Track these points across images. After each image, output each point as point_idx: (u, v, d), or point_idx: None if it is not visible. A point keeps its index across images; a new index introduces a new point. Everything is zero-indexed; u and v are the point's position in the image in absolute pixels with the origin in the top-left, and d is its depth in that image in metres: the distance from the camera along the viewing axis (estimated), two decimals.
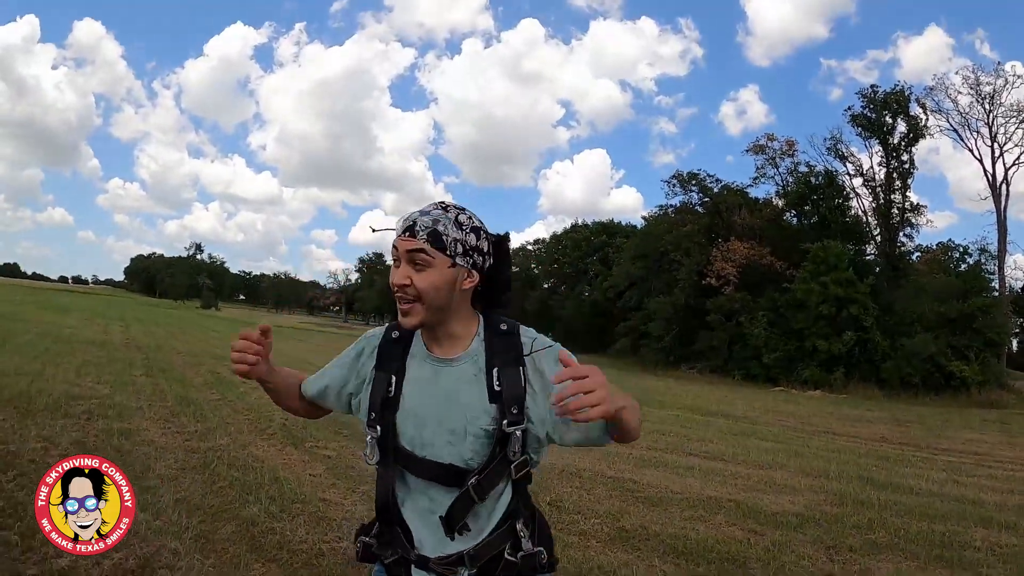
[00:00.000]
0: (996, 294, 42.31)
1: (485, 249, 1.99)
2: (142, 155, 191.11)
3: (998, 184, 47.82)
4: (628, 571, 5.35)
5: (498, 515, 1.98)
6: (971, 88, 48.00)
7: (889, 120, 44.21)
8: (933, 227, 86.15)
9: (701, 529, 6.78)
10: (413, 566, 2.00)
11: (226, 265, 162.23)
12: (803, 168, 47.65)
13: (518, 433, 1.91)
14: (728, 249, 43.93)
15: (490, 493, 1.94)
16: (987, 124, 48.07)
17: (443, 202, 2.00)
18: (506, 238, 2.10)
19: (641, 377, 35.45)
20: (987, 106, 47.84)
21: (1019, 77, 47.23)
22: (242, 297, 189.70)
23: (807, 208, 47.17)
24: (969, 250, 46.44)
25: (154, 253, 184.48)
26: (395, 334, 2.10)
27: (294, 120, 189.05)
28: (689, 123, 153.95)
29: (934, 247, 49.34)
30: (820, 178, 46.65)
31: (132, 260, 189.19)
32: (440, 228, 1.90)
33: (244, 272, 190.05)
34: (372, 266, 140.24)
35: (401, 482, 2.03)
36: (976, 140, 48.58)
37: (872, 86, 45.93)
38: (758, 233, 45.08)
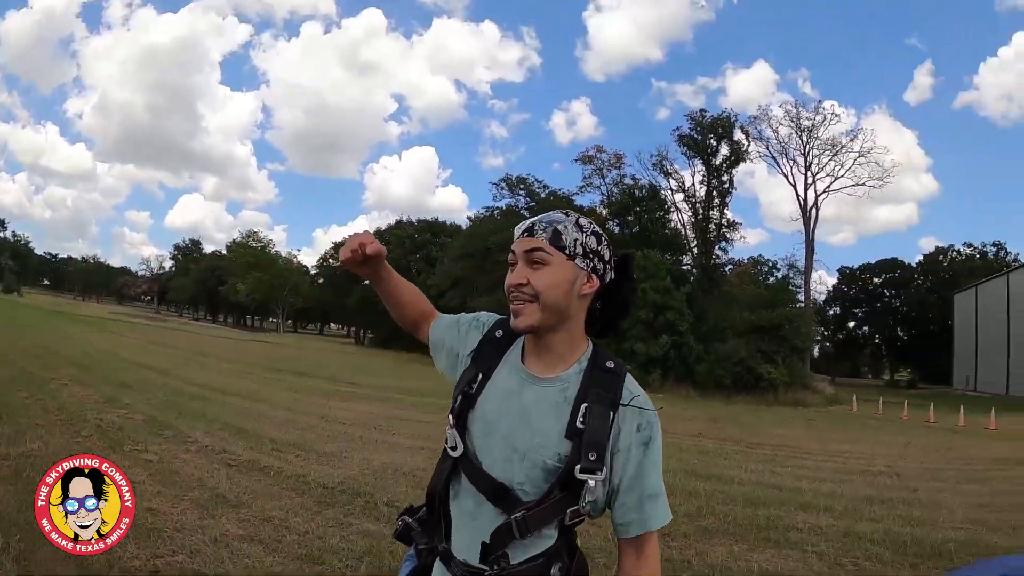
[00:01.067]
0: (801, 305, 45.92)
1: (606, 257, 1.91)
2: None
3: (808, 208, 53.13)
4: None
5: (536, 550, 1.85)
6: (792, 121, 54.25)
7: (713, 143, 47.52)
8: (746, 243, 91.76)
9: None
10: (439, 557, 1.94)
11: (31, 245, 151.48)
12: (628, 180, 50.29)
13: (591, 483, 1.77)
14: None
15: (534, 532, 1.81)
16: (803, 154, 54.73)
17: (564, 210, 1.93)
18: (632, 257, 2.01)
19: None
20: (805, 138, 54.39)
21: (836, 115, 54.27)
22: (46, 282, 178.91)
23: (630, 219, 49.37)
24: (778, 265, 51.07)
25: None
26: (499, 333, 2.03)
27: (116, 88, 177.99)
28: (520, 128, 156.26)
29: (746, 261, 52.90)
30: (644, 191, 49.30)
31: None
32: (560, 228, 1.83)
33: (49, 254, 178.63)
34: (187, 253, 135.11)
35: (455, 477, 1.94)
36: (792, 168, 54.03)
37: (701, 110, 49.67)
38: None
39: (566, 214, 1.87)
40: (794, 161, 55.38)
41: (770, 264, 53.27)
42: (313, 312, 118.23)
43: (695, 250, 48.14)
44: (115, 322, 56.63)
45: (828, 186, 55.49)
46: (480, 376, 1.94)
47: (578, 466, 1.75)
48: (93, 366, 18.20)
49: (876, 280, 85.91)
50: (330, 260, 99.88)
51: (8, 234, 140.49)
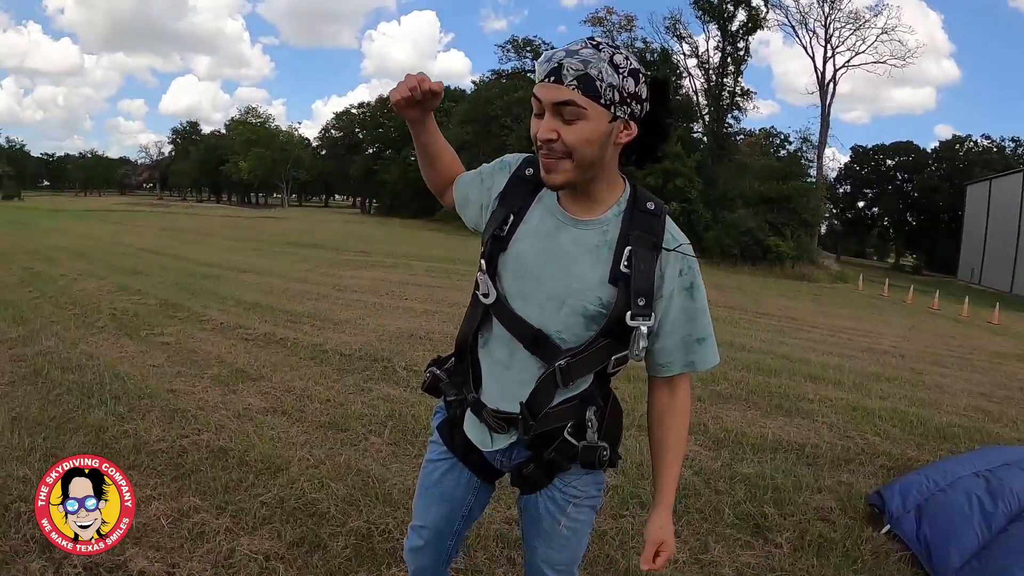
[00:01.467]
0: (813, 180, 45.57)
1: (644, 95, 1.73)
2: None
3: (826, 82, 51.66)
4: None
5: (570, 393, 1.85)
6: None
7: (730, 7, 45.84)
8: (758, 113, 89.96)
9: None
10: (469, 408, 1.97)
11: (26, 148, 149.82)
12: (639, 44, 49.01)
13: (643, 328, 1.76)
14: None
15: (576, 380, 1.82)
16: (824, 26, 51.89)
17: (593, 39, 1.68)
18: (667, 83, 1.80)
19: (468, 239, 35.80)
20: (826, 9, 51.34)
21: None
22: (46, 183, 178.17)
23: None
24: (791, 138, 49.56)
25: None
26: (529, 171, 1.92)
27: None
28: None
29: (758, 132, 51.82)
30: (656, 56, 48.20)
31: None
32: (593, 72, 1.61)
33: (46, 155, 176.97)
34: (186, 136, 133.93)
35: (486, 325, 1.92)
36: (811, 39, 51.96)
37: None
38: None
39: (597, 47, 1.64)
40: (813, 32, 53.22)
41: (783, 136, 52.43)
42: (317, 185, 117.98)
43: (707, 118, 47.45)
44: (119, 212, 56.68)
45: (848, 61, 53.50)
46: (512, 217, 1.88)
47: (628, 312, 1.73)
48: (101, 258, 18.20)
49: (889, 162, 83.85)
50: (331, 131, 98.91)
51: (2, 140, 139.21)
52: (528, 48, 51.43)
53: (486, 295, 1.87)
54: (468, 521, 2.15)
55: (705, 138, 46.94)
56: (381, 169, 74.69)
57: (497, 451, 1.96)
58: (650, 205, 1.83)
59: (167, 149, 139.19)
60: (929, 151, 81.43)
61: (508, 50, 52.44)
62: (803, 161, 46.31)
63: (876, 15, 52.97)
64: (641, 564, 1.88)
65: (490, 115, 48.37)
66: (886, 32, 52.33)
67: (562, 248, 1.80)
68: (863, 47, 53.16)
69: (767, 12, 48.29)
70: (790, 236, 37.84)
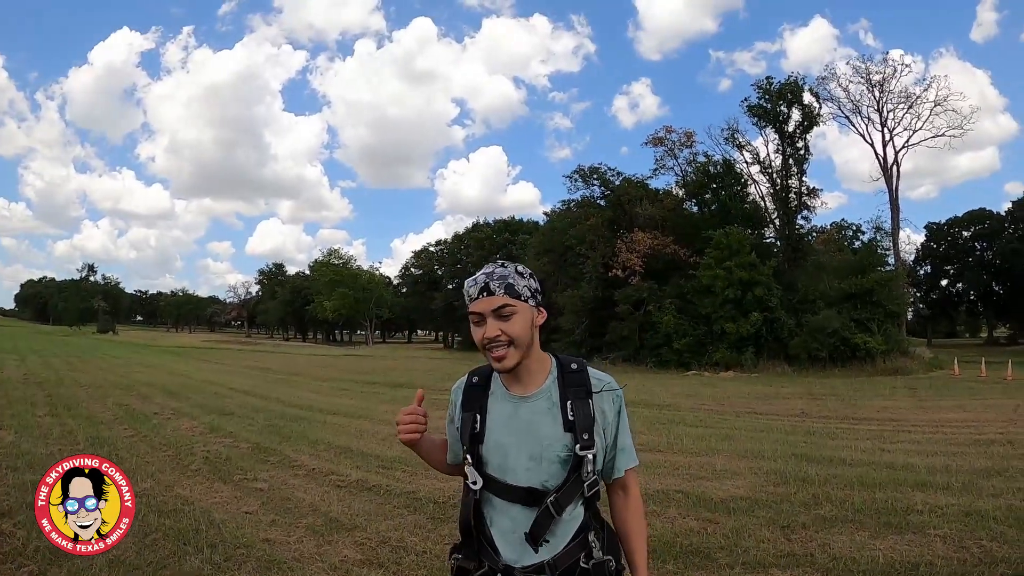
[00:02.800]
0: (892, 268, 44.59)
1: (540, 289, 2.33)
2: (26, 172, 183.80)
3: (889, 166, 51.33)
4: None
5: (573, 528, 2.26)
6: (861, 77, 51.44)
7: (784, 109, 45.64)
8: (827, 208, 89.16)
9: (657, 524, 6.79)
10: (499, 574, 2.26)
11: (121, 285, 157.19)
12: (702, 158, 49.08)
13: (590, 456, 2.22)
14: (632, 240, 44.45)
15: (566, 509, 2.22)
16: (877, 111, 52.15)
17: (500, 261, 2.33)
18: (542, 282, 2.42)
19: None
20: (877, 93, 51.44)
21: (906, 65, 51.33)
22: (139, 318, 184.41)
23: (707, 196, 48.42)
24: (863, 228, 48.82)
25: (45, 277, 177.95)
26: (475, 379, 2.41)
27: (184, 129, 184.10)
28: (583, 117, 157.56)
29: (829, 227, 51.21)
30: (719, 167, 48.11)
31: (22, 286, 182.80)
32: (511, 281, 2.22)
33: (140, 292, 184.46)
34: (272, 277, 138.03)
35: (488, 504, 2.31)
36: (867, 125, 51.85)
37: (767, 78, 47.41)
38: (660, 223, 45.87)
39: (503, 266, 2.26)
40: (868, 119, 53.22)
41: (854, 228, 51.54)
42: (399, 321, 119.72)
43: (777, 222, 46.80)
44: (209, 350, 58.11)
45: (907, 141, 53.16)
46: (478, 416, 2.33)
47: (577, 446, 2.21)
48: (192, 397, 18.58)
49: (965, 233, 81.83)
50: (411, 269, 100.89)
51: (98, 277, 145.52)
52: (595, 176, 51.77)
53: (475, 483, 2.29)
54: None
55: (778, 242, 46.39)
56: (461, 305, 75.44)
57: None
58: (573, 365, 2.35)
59: (254, 289, 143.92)
60: (1003, 213, 79.26)
61: (575, 179, 52.87)
62: (879, 250, 45.31)
63: (926, 89, 52.65)
64: None
65: (564, 245, 48.70)
66: (939, 104, 52.01)
67: (524, 420, 2.27)
68: (919, 124, 52.81)
69: (820, 108, 48.21)
70: (877, 330, 36.61)
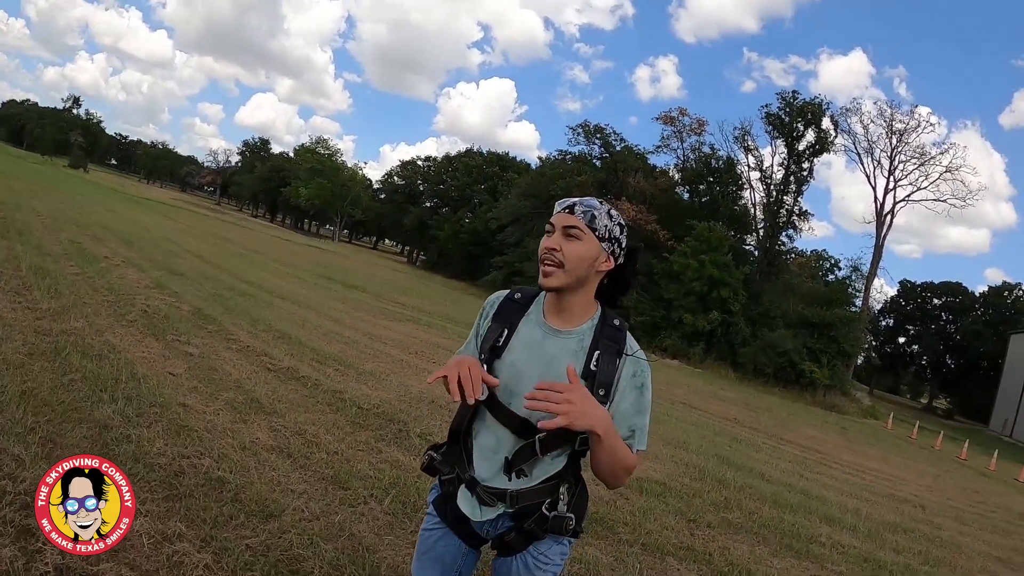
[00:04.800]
0: (857, 310, 45.52)
1: (623, 245, 2.33)
2: None
3: (884, 213, 51.74)
4: None
5: (549, 472, 2.28)
6: (884, 121, 51.27)
7: (800, 127, 46.14)
8: (812, 234, 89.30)
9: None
10: (463, 486, 2.36)
11: (102, 125, 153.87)
12: (706, 149, 49.70)
13: None
14: (617, 208, 44.41)
15: (551, 452, 2.24)
16: (889, 157, 52.20)
17: (599, 199, 2.29)
18: (639, 251, 2.42)
19: None
20: (894, 141, 51.59)
21: (930, 124, 51.64)
22: (113, 162, 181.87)
23: (701, 187, 49.32)
24: (841, 264, 49.11)
25: (27, 100, 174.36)
26: (517, 295, 2.43)
27: None
28: (602, 76, 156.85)
29: (808, 253, 51.61)
30: (720, 163, 48.83)
31: (3, 104, 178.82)
32: (595, 213, 2.23)
33: (120, 135, 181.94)
34: (255, 151, 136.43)
35: (479, 417, 2.35)
36: (875, 169, 51.92)
37: (793, 91, 47.95)
38: (649, 199, 46.30)
39: (601, 203, 2.27)
40: (878, 162, 53.71)
41: (833, 261, 51.97)
42: (370, 225, 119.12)
43: (761, 232, 47.58)
44: (175, 208, 57.59)
45: (908, 195, 53.84)
46: (505, 331, 2.34)
47: None
48: (146, 248, 18.37)
49: (936, 300, 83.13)
50: (394, 177, 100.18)
51: (81, 111, 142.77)
52: (598, 135, 51.69)
53: (484, 394, 2.20)
54: None
55: (756, 252, 47.11)
56: (435, 224, 75.41)
57: (485, 521, 2.34)
58: (616, 321, 2.32)
59: (235, 159, 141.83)
60: (977, 295, 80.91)
61: (578, 133, 52.73)
62: (850, 289, 46.04)
63: (942, 152, 52.99)
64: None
65: (550, 194, 48.68)
66: (950, 171, 52.46)
67: (548, 353, 2.26)
68: (925, 183, 53.34)
69: (835, 136, 48.89)
70: (826, 364, 37.58)
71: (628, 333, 2.31)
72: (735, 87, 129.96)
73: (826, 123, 47.29)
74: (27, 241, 13.35)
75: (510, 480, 2.26)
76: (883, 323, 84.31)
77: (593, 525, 5.81)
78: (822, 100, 47.48)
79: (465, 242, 66.04)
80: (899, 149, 52.87)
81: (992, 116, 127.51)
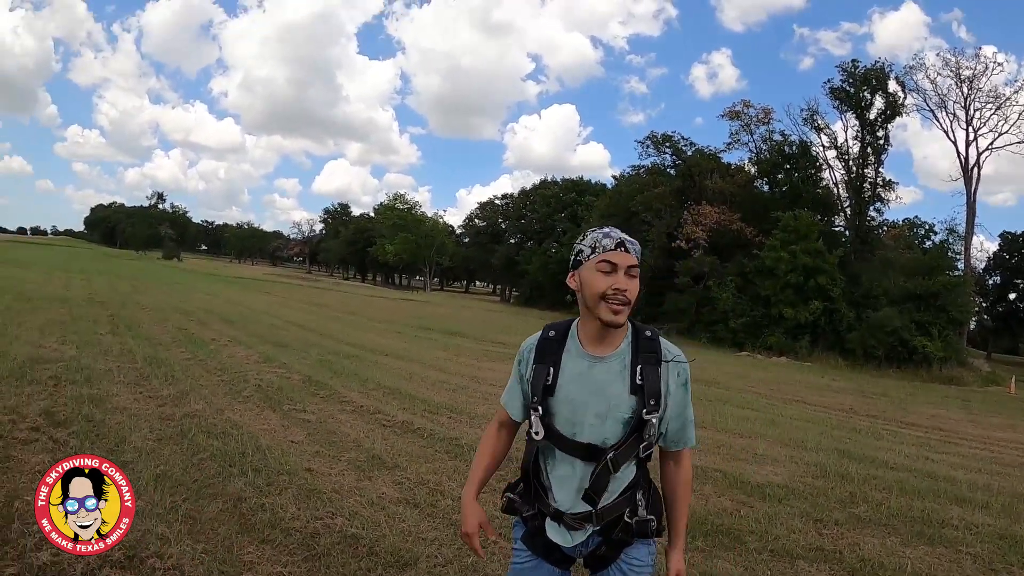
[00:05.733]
0: (960, 273, 43.02)
1: None
2: (101, 101, 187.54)
3: (970, 167, 49.31)
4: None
5: (623, 485, 2.43)
6: (951, 70, 49.26)
7: (867, 95, 44.70)
8: (900, 203, 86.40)
9: (692, 500, 6.73)
10: (548, 518, 2.48)
11: (188, 215, 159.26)
12: (778, 137, 48.42)
13: (654, 420, 2.37)
14: (699, 213, 44.33)
15: (621, 467, 2.39)
16: (964, 108, 49.77)
17: (616, 230, 2.43)
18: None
19: None
20: (965, 90, 49.27)
21: (998, 64, 48.98)
22: (204, 248, 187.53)
23: (779, 177, 47.96)
24: (936, 228, 47.34)
25: (114, 202, 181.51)
26: (551, 333, 2.55)
27: (258, 66, 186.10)
28: (659, 83, 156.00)
29: (900, 223, 49.82)
30: (794, 148, 47.48)
31: (92, 210, 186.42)
32: (638, 249, 2.39)
33: (206, 222, 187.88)
34: (336, 216, 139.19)
35: (548, 452, 2.50)
36: (952, 122, 49.86)
37: (853, 60, 46.44)
38: (729, 198, 45.64)
39: (627, 234, 2.42)
40: (954, 115, 50.38)
41: (927, 227, 49.77)
42: (458, 270, 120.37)
43: (848, 211, 46.17)
44: (269, 283, 58.92)
45: (991, 143, 50.39)
46: (552, 370, 2.45)
47: (644, 410, 2.35)
48: (250, 326, 18.98)
49: None
50: (475, 220, 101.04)
51: (167, 206, 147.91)
52: (667, 144, 51.27)
53: (537, 433, 2.45)
54: None
55: (847, 232, 45.75)
56: (522, 259, 75.75)
57: (577, 545, 2.48)
58: (648, 333, 2.46)
59: (318, 227, 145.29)
60: None
61: (647, 146, 52.36)
62: (949, 253, 43.41)
63: (1017, 91, 49.58)
64: None
65: (630, 210, 48.44)
66: None
67: (597, 379, 2.39)
68: (1006, 127, 49.91)
69: (905, 97, 46.75)
70: (937, 335, 35.78)
71: (661, 339, 2.46)
72: (794, 67, 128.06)
73: (892, 86, 45.72)
74: (138, 334, 13.95)
75: (595, 506, 2.40)
76: (990, 282, 79.97)
77: (719, 536, 5.83)
78: (884, 63, 46.14)
79: (555, 272, 65.95)
80: (972, 97, 49.75)
81: None
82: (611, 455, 2.36)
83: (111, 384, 8.90)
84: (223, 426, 7.40)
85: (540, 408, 2.44)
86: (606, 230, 2.41)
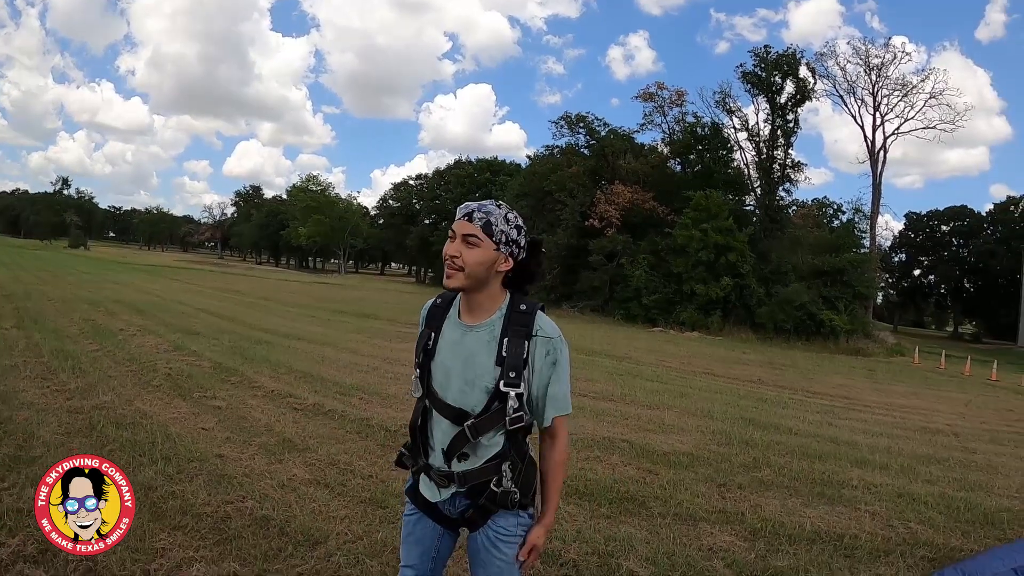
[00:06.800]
0: (866, 250, 44.93)
1: (522, 244, 2.54)
2: (3, 82, 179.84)
3: (876, 150, 51.70)
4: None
5: (490, 453, 2.53)
6: (860, 58, 51.54)
7: (778, 80, 45.79)
8: (810, 184, 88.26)
9: (599, 469, 7.02)
10: (422, 472, 2.66)
11: (95, 200, 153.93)
12: (690, 118, 49.12)
13: (513, 393, 2.44)
14: (612, 192, 44.63)
15: (484, 435, 2.49)
16: (872, 94, 52.38)
17: (498, 202, 2.52)
18: (539, 243, 2.63)
19: None
20: (874, 77, 51.64)
21: (906, 54, 51.51)
22: (112, 234, 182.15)
23: (692, 157, 48.71)
24: (843, 208, 48.76)
25: (17, 189, 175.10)
26: (438, 300, 2.72)
27: (167, 42, 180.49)
28: (576, 64, 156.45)
29: (810, 203, 51.24)
30: (706, 129, 48.29)
31: None
32: (492, 219, 2.44)
33: (113, 207, 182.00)
34: (248, 199, 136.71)
35: (428, 412, 2.63)
36: (860, 108, 52.23)
37: (765, 46, 48.12)
38: (642, 178, 46.04)
39: (498, 206, 2.50)
40: (862, 101, 53.38)
41: (835, 207, 51.11)
42: (374, 252, 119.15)
43: (758, 191, 47.11)
44: (180, 269, 57.88)
45: (897, 128, 53.37)
46: (433, 334, 2.62)
47: (501, 382, 2.44)
48: (160, 314, 18.68)
49: (944, 228, 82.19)
50: (389, 201, 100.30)
51: (72, 191, 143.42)
52: (581, 124, 51.51)
53: (416, 391, 2.62)
54: (439, 560, 2.78)
55: (757, 211, 46.74)
56: (437, 240, 75.54)
57: (444, 501, 2.62)
58: (523, 307, 2.53)
59: (230, 211, 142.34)
60: (984, 214, 79.89)
61: (561, 126, 52.52)
62: (856, 231, 45.35)
63: (923, 80, 52.84)
64: (519, 555, 2.60)
65: (544, 190, 48.60)
66: (934, 97, 52.34)
67: (466, 347, 2.52)
68: (912, 113, 53.15)
69: (815, 83, 48.28)
70: (844, 309, 37.27)
71: (540, 314, 2.54)
72: (709, 51, 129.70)
73: (803, 71, 46.85)
74: (43, 327, 13.69)
75: (450, 465, 2.54)
76: (896, 259, 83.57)
77: (625, 502, 6.00)
78: (795, 49, 47.27)
79: None
80: (880, 84, 52.63)
81: (968, 33, 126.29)
82: (470, 422, 2.47)
83: (17, 380, 8.75)
84: (132, 416, 7.35)
85: (419, 369, 2.61)
86: (469, 203, 2.52)
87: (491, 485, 2.53)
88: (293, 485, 5.65)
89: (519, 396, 2.46)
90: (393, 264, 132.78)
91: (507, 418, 2.46)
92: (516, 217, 2.52)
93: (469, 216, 2.44)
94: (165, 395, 8.69)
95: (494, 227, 2.44)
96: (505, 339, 2.48)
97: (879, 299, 66.99)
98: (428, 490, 2.65)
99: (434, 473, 2.59)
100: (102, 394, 8.26)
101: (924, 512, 6.61)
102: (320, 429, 7.68)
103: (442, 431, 2.56)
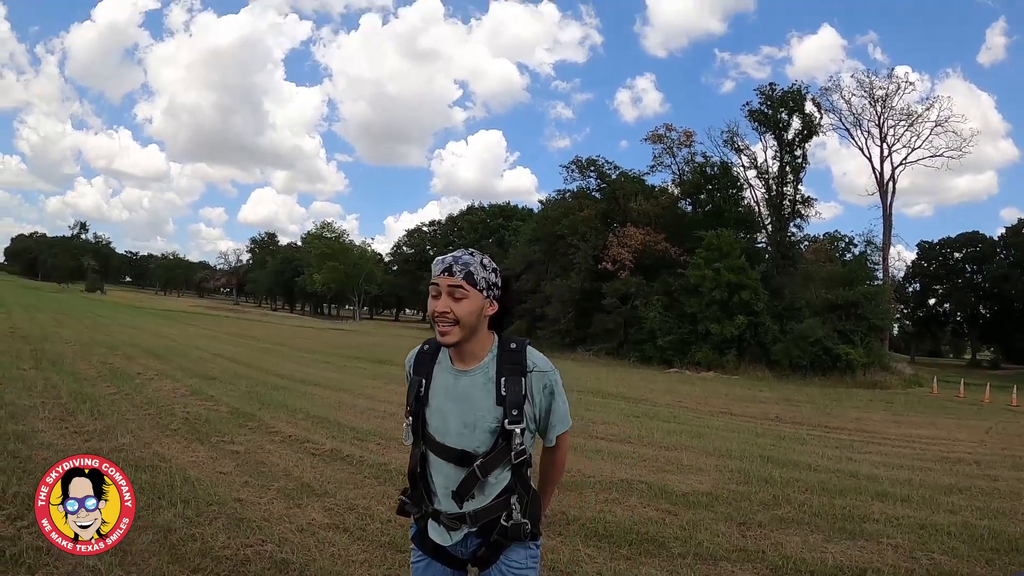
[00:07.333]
0: (880, 282, 44.91)
1: (500, 284, 2.62)
2: (22, 126, 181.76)
3: (885, 181, 51.61)
4: (554, 556, 5.41)
5: (498, 490, 2.60)
6: (864, 90, 51.90)
7: (785, 117, 45.72)
8: (821, 218, 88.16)
9: (618, 511, 6.96)
10: (430, 519, 2.67)
11: (111, 245, 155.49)
12: (699, 158, 49.03)
13: (518, 430, 2.53)
14: (624, 234, 44.66)
15: (492, 473, 2.56)
16: (878, 125, 52.60)
17: (471, 250, 2.60)
18: (510, 279, 2.70)
19: None
20: (879, 108, 51.78)
21: (910, 83, 52.04)
22: (128, 279, 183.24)
23: (702, 197, 48.52)
24: (855, 241, 48.83)
25: (36, 232, 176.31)
26: (425, 347, 2.75)
27: (183, 92, 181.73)
28: (585, 108, 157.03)
29: (821, 237, 51.16)
30: (716, 169, 48.16)
31: (12, 240, 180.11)
32: (472, 269, 2.52)
33: (130, 252, 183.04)
34: (263, 246, 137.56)
35: (431, 458, 2.66)
36: (867, 139, 52.28)
37: (770, 84, 47.51)
38: (653, 220, 46.08)
39: (471, 254, 2.57)
40: (868, 132, 53.36)
41: (847, 240, 50.97)
42: (388, 299, 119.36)
43: (769, 227, 46.84)
44: (196, 315, 58.07)
45: (905, 158, 53.27)
46: (424, 381, 2.67)
47: (506, 421, 2.52)
48: (177, 359, 18.76)
49: (957, 255, 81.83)
50: (403, 247, 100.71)
51: (89, 236, 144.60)
52: (592, 167, 51.56)
53: (407, 439, 2.68)
54: None
55: (769, 248, 46.50)
56: None
57: (456, 544, 2.65)
58: (512, 345, 2.62)
59: (245, 257, 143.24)
60: (996, 238, 79.14)
61: (572, 170, 52.60)
62: (868, 263, 45.50)
63: (928, 108, 52.81)
64: None
65: (556, 234, 48.66)
66: (940, 124, 52.23)
67: (462, 392, 2.58)
68: (919, 142, 53.05)
69: (821, 118, 48.26)
70: (860, 343, 36.82)
71: (530, 349, 2.63)
72: (716, 90, 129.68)
73: (809, 107, 46.88)
74: (62, 369, 13.77)
75: (461, 506, 2.58)
76: (910, 289, 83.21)
77: (644, 544, 5.95)
78: (800, 85, 47.28)
79: None
80: (885, 115, 52.70)
81: (970, 58, 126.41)
82: (478, 463, 2.54)
83: (36, 420, 8.79)
84: (151, 459, 7.37)
85: (411, 417, 2.67)
86: (444, 256, 2.58)
87: (501, 520, 2.60)
88: (312, 529, 5.64)
89: (523, 431, 2.55)
90: (407, 310, 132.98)
91: (512, 452, 2.55)
92: (490, 260, 2.62)
93: (449, 270, 2.52)
94: (183, 439, 8.70)
95: (476, 276, 2.53)
96: (502, 379, 2.57)
97: (895, 330, 66.79)
98: (438, 535, 2.69)
99: (444, 517, 2.64)
100: (120, 436, 8.30)
101: (947, 542, 6.54)
102: (338, 474, 7.67)
103: (444, 475, 2.62)
